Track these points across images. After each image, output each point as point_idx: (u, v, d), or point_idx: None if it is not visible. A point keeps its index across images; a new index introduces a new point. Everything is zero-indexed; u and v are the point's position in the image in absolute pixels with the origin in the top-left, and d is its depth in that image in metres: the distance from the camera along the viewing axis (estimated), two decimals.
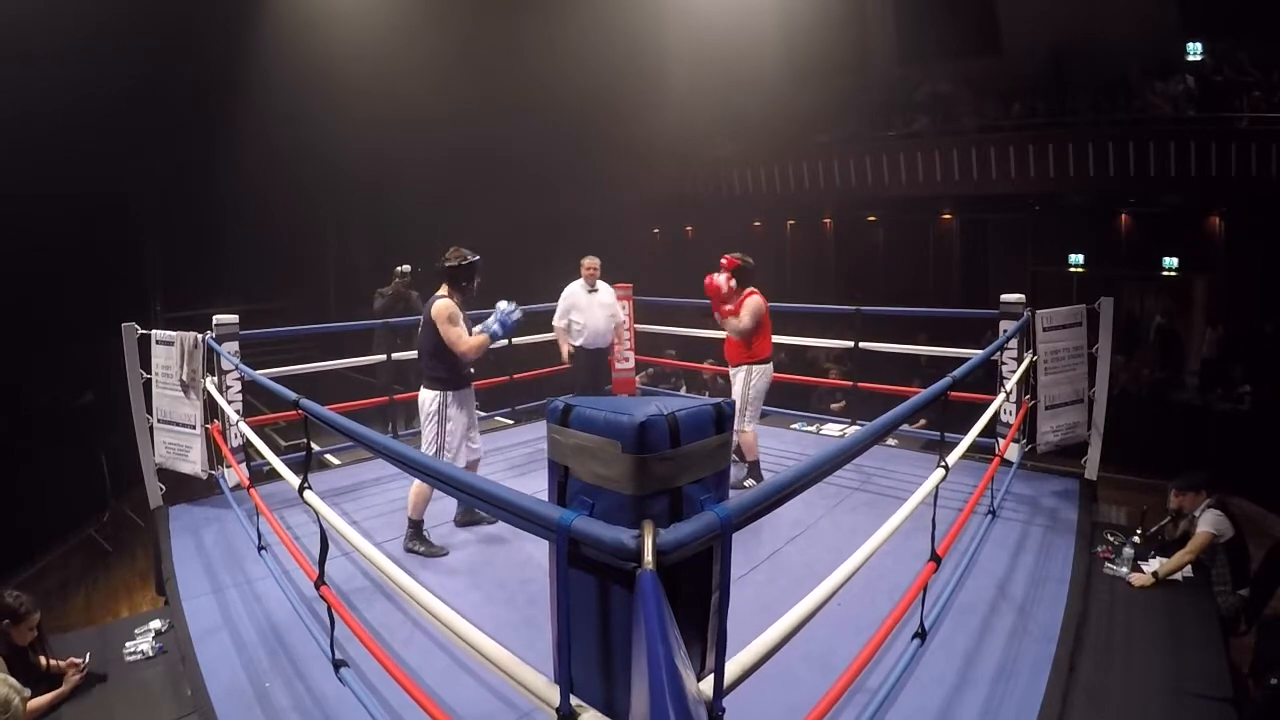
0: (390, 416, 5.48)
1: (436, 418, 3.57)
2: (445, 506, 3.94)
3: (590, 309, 5.33)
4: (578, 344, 5.35)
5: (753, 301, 4.29)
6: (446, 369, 3.54)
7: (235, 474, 4.03)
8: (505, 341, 4.99)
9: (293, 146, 11.04)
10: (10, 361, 7.95)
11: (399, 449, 1.83)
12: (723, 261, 4.32)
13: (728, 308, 4.27)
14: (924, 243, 11.72)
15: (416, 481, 3.47)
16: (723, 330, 4.52)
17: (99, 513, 6.19)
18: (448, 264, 3.54)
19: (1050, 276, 10.17)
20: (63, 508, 6.24)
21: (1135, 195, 9.29)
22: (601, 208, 13.04)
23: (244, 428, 3.69)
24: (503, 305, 3.55)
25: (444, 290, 3.56)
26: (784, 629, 1.56)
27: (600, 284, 5.41)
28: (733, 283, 4.23)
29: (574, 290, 5.38)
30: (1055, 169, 9.32)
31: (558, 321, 5.41)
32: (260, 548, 3.49)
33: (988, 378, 4.66)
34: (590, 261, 5.37)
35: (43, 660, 2.80)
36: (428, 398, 3.58)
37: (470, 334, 3.53)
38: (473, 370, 3.69)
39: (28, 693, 2.46)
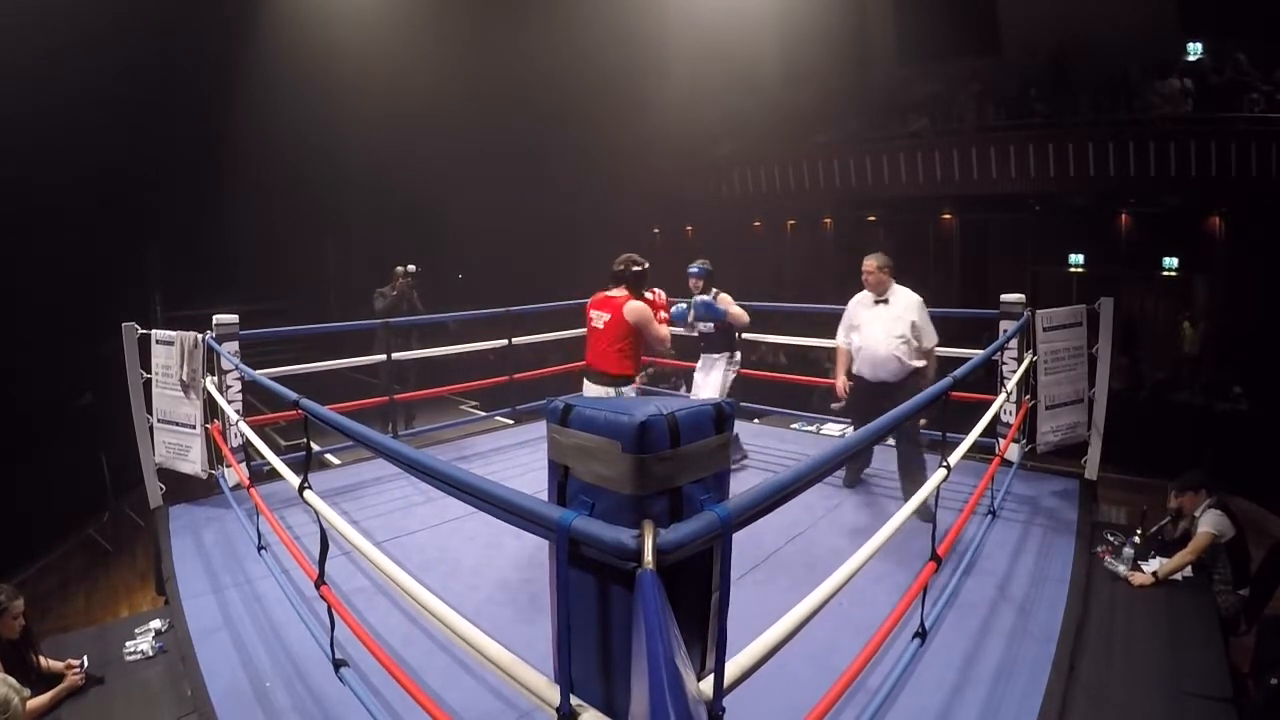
0: (390, 416, 5.47)
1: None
2: (444, 507, 3.94)
3: (870, 326, 3.92)
4: (855, 371, 4.11)
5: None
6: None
7: (235, 474, 4.02)
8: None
9: (293, 146, 11.06)
10: (10, 361, 7.95)
11: (399, 449, 1.82)
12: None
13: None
14: (924, 243, 11.72)
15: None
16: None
17: (99, 513, 6.19)
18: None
19: (1050, 276, 10.18)
20: (63, 508, 6.23)
21: (1135, 195, 9.30)
22: (602, 207, 13.05)
23: (244, 427, 3.69)
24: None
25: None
26: (784, 629, 1.56)
27: (898, 291, 3.95)
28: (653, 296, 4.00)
29: (854, 301, 4.13)
30: (1055, 169, 9.33)
31: (838, 340, 4.25)
32: (260, 547, 3.49)
33: (988, 378, 4.66)
34: (868, 263, 3.95)
35: (40, 661, 2.79)
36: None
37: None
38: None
39: (27, 692, 2.46)
